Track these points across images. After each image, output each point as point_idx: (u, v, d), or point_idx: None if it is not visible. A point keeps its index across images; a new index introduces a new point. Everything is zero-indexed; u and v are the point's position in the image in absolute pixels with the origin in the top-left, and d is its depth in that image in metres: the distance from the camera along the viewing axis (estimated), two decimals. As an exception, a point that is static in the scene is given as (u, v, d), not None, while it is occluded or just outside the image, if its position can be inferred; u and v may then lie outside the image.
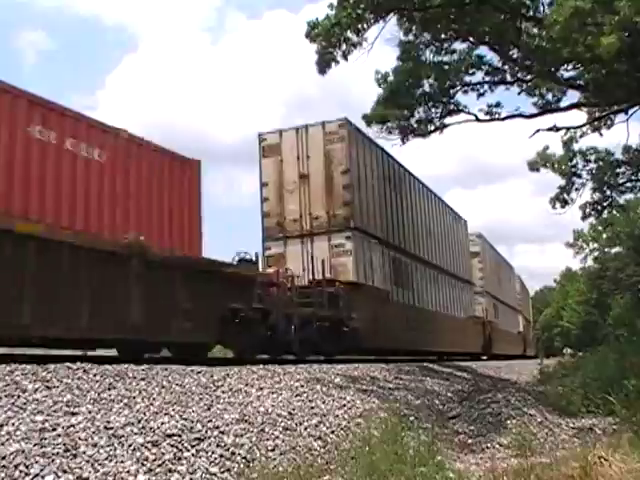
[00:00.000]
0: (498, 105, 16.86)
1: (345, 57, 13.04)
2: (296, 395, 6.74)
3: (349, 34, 12.64)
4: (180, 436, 4.52)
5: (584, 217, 24.89)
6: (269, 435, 5.21)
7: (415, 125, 16.47)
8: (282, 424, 5.56)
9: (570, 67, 14.52)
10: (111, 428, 4.31)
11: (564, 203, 23.03)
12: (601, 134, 19.43)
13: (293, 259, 13.21)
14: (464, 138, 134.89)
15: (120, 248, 7.94)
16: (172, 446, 4.34)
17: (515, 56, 14.88)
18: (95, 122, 8.52)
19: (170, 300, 8.50)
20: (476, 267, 25.99)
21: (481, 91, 16.55)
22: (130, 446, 4.15)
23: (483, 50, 15.54)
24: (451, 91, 16.22)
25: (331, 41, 12.62)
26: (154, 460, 4.08)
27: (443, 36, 14.65)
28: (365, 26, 12.79)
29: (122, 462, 3.93)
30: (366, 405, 7.18)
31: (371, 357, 14.48)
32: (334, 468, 4.67)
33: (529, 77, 15.80)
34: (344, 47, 12.89)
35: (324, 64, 13.09)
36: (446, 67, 15.82)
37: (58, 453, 3.80)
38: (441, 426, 7.10)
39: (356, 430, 5.92)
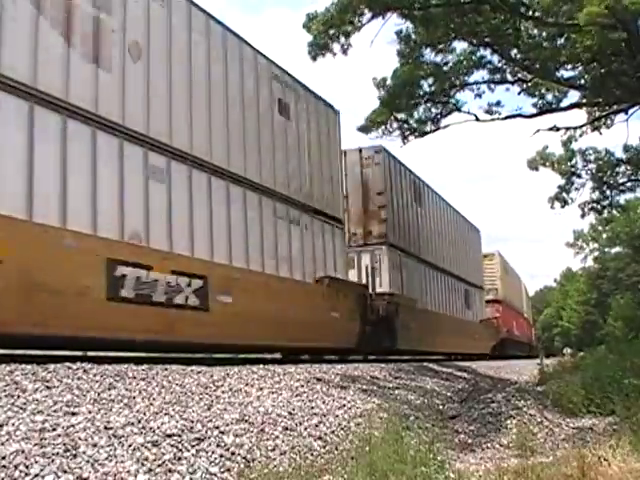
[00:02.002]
0: (498, 104, 16.89)
1: (345, 51, 12.85)
2: (296, 395, 6.73)
3: (346, 26, 12.52)
4: (180, 436, 4.52)
5: (583, 215, 24.94)
6: (269, 435, 5.20)
7: (415, 125, 16.50)
8: (282, 424, 5.55)
9: (570, 67, 14.54)
10: (111, 428, 4.31)
11: (563, 203, 23.05)
12: (601, 133, 19.47)
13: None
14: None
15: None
16: (172, 446, 4.34)
17: (515, 56, 14.89)
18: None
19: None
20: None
21: (478, 92, 16.59)
22: (130, 446, 4.15)
23: (483, 50, 15.57)
24: (451, 91, 16.24)
25: (327, 30, 12.43)
26: (154, 460, 4.07)
27: (444, 37, 14.65)
28: (361, 20, 12.67)
29: (122, 462, 3.93)
30: (366, 405, 7.17)
31: (372, 357, 14.46)
32: (334, 468, 4.66)
33: (529, 77, 15.82)
34: (342, 39, 12.74)
35: (317, 49, 12.81)
36: (446, 67, 15.84)
37: (58, 453, 3.79)
38: (441, 426, 7.09)
39: (356, 430, 5.92)
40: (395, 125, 16.35)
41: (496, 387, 10.91)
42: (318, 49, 12.79)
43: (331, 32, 12.45)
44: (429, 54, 15.56)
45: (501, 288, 31.02)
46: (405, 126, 16.43)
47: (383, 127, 16.18)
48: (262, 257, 10.31)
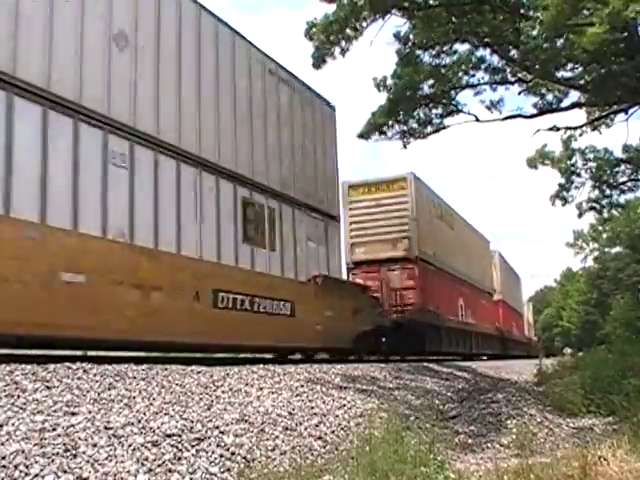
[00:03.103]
0: (500, 102, 16.89)
1: (343, 53, 13.00)
2: (296, 395, 6.74)
3: (348, 31, 12.64)
4: (180, 436, 4.52)
5: (580, 215, 24.93)
6: (269, 435, 5.21)
7: (415, 127, 16.49)
8: (282, 424, 5.56)
9: (569, 67, 14.53)
10: (111, 428, 4.31)
11: (564, 201, 23.08)
12: (600, 133, 19.48)
13: None
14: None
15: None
16: (172, 446, 4.34)
17: (515, 56, 14.88)
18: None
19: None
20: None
21: (479, 90, 16.60)
22: (130, 446, 4.15)
23: (483, 51, 15.57)
24: (451, 93, 16.24)
25: (329, 37, 12.58)
26: (154, 460, 4.08)
27: (444, 37, 14.63)
28: (363, 24, 12.77)
29: (122, 462, 3.93)
30: (366, 405, 7.17)
31: (372, 357, 14.39)
32: (334, 468, 4.66)
33: (529, 77, 15.81)
34: (343, 44, 12.86)
35: (320, 58, 13.00)
36: (446, 69, 15.83)
37: (58, 453, 3.80)
38: (441, 426, 7.09)
39: (356, 430, 5.92)
40: (396, 128, 16.35)
41: (496, 387, 10.90)
42: (320, 59, 12.95)
43: (332, 38, 12.58)
44: (428, 56, 15.58)
45: (419, 239, 17.40)
46: (405, 129, 16.42)
47: (382, 134, 16.20)
48: None
